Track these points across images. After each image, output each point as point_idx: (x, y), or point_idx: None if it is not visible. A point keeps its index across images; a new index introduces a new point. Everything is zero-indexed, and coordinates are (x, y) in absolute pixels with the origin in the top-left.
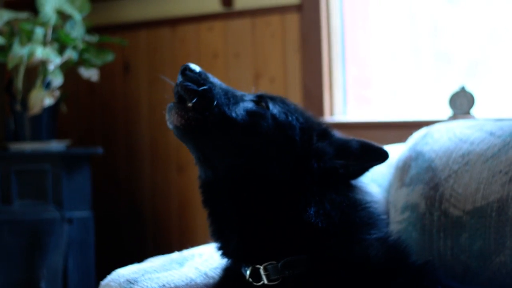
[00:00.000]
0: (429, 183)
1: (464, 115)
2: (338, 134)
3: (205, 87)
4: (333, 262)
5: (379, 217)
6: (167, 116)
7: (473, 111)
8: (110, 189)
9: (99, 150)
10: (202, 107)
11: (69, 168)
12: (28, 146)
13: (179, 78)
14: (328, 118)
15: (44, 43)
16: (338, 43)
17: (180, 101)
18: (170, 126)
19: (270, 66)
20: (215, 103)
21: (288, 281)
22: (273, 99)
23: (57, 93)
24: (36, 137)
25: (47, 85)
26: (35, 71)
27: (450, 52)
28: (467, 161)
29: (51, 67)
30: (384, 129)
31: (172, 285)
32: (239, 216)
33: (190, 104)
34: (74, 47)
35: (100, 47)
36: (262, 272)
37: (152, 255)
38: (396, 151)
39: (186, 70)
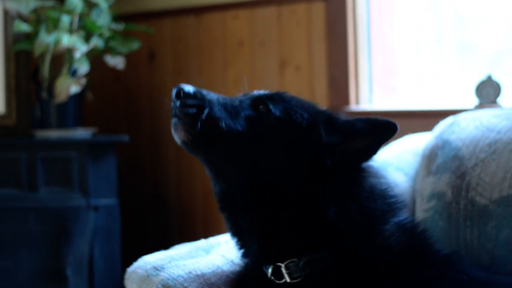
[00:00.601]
0: (456, 172)
1: (491, 104)
2: (343, 117)
3: (206, 108)
4: (355, 256)
5: (397, 202)
6: (173, 132)
7: (499, 100)
8: (135, 177)
9: (125, 138)
10: (206, 127)
11: (94, 156)
12: (54, 134)
13: (175, 102)
14: (354, 107)
15: (70, 31)
16: (364, 32)
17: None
18: (178, 141)
19: (295, 55)
20: (217, 119)
21: (310, 278)
22: (271, 98)
23: (83, 81)
24: (62, 124)
25: (73, 73)
26: (61, 59)
27: (477, 41)
28: (494, 149)
29: (77, 55)
30: (410, 118)
31: (199, 272)
32: (258, 222)
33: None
34: (100, 35)
35: (126, 35)
36: (284, 270)
37: (177, 243)
38: (422, 140)
39: (180, 95)
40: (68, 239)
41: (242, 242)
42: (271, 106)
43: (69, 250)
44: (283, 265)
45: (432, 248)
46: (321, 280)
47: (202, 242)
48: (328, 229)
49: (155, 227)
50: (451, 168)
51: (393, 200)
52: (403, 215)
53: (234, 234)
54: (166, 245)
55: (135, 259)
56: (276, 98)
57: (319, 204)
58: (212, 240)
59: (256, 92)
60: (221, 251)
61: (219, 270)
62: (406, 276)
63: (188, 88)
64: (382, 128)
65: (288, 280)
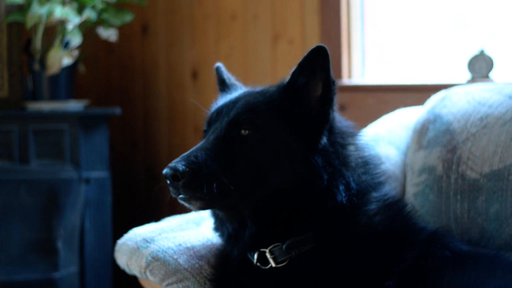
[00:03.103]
0: (447, 146)
1: (483, 78)
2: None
3: (204, 171)
4: (339, 236)
5: (381, 175)
6: (186, 205)
7: (492, 74)
8: (127, 150)
9: (117, 110)
10: (212, 191)
11: (86, 128)
12: (46, 106)
13: (173, 185)
14: (346, 80)
15: (63, 3)
16: (357, 5)
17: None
18: (193, 209)
19: (288, 28)
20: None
21: (294, 261)
22: (244, 113)
23: (76, 53)
24: (54, 97)
25: (66, 45)
26: (54, 31)
27: (469, 16)
28: (485, 124)
29: (69, 26)
30: (402, 92)
31: (189, 244)
32: (254, 210)
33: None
34: (93, 7)
35: (118, 8)
36: (268, 255)
37: (168, 216)
38: (414, 114)
39: (177, 176)
40: (59, 211)
41: (231, 228)
42: (244, 123)
43: (60, 222)
44: (267, 250)
45: (416, 224)
46: (306, 261)
47: (193, 215)
48: (313, 209)
49: (146, 200)
50: (442, 142)
51: (377, 174)
52: (387, 190)
53: (220, 220)
54: (156, 218)
55: (126, 231)
56: (241, 108)
57: (309, 184)
58: (202, 212)
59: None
60: (211, 224)
61: (209, 242)
62: (390, 255)
63: (179, 171)
64: (313, 60)
65: (273, 265)
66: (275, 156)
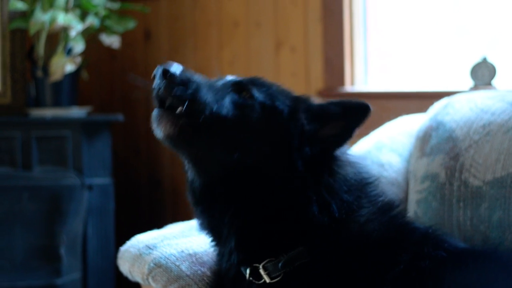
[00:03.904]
0: (450, 153)
1: (486, 86)
2: (316, 102)
3: (193, 90)
4: (332, 247)
5: (373, 188)
6: (154, 125)
7: (494, 82)
8: (130, 156)
9: (120, 117)
10: (193, 112)
11: (89, 135)
12: (48, 112)
13: (159, 82)
14: (349, 87)
15: (66, 9)
16: (360, 12)
17: (163, 105)
18: (160, 135)
19: (291, 35)
20: (205, 104)
21: (289, 275)
22: (253, 83)
23: (78, 60)
24: (57, 103)
25: (69, 52)
26: (57, 38)
27: (472, 23)
28: (488, 131)
29: (72, 33)
30: (405, 99)
31: (191, 251)
32: (237, 217)
33: (180, 110)
34: (96, 14)
35: (121, 14)
36: (262, 272)
37: (171, 223)
38: (417, 121)
39: (167, 74)
40: (62, 218)
41: (217, 240)
42: (254, 92)
43: (63, 229)
44: (260, 266)
45: (408, 226)
46: (300, 276)
47: (195, 222)
48: (307, 225)
49: (149, 206)
50: (445, 150)
51: (369, 188)
52: (375, 192)
53: (208, 232)
54: (159, 225)
55: (128, 238)
56: (258, 83)
57: (301, 200)
58: None
59: (230, 77)
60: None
61: (211, 249)
62: (385, 261)
63: (175, 67)
64: (355, 110)
65: (267, 281)
66: (260, 136)
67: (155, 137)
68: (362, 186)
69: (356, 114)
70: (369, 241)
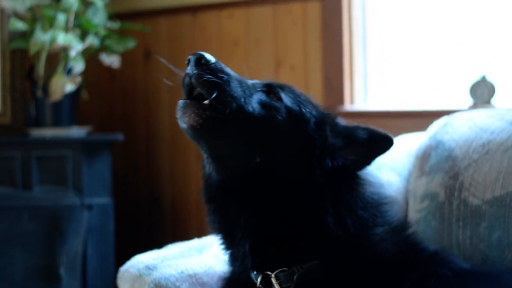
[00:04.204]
0: (449, 172)
1: (485, 104)
2: (342, 121)
3: (225, 81)
4: (345, 264)
5: (388, 209)
6: (179, 114)
7: (493, 100)
8: (130, 176)
9: (120, 136)
10: (221, 103)
11: (89, 155)
12: (48, 132)
13: (192, 68)
14: (349, 106)
15: (66, 29)
16: (359, 31)
17: (191, 95)
18: (184, 125)
19: (291, 54)
20: (234, 97)
21: (300, 287)
22: (282, 88)
23: (78, 80)
24: (57, 123)
25: (69, 72)
26: (57, 57)
27: (472, 41)
28: (487, 150)
29: (72, 53)
30: (404, 118)
31: (191, 271)
32: (253, 218)
33: (207, 102)
34: (96, 34)
35: (121, 34)
36: (274, 281)
37: (171, 243)
38: (416, 140)
39: (201, 60)
40: (62, 237)
41: (230, 242)
42: (282, 95)
43: (63, 248)
44: (273, 275)
45: (418, 246)
46: None
47: (195, 242)
48: (321, 236)
49: (149, 226)
50: (444, 169)
51: (384, 208)
52: (390, 213)
53: (219, 232)
54: (159, 245)
55: (128, 258)
56: (287, 89)
57: (316, 207)
58: (205, 239)
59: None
60: (213, 251)
61: (211, 270)
62: (394, 281)
63: (210, 56)
64: (381, 141)
65: None
66: (284, 139)
67: (155, 156)
68: (377, 205)
69: (381, 144)
70: (381, 261)
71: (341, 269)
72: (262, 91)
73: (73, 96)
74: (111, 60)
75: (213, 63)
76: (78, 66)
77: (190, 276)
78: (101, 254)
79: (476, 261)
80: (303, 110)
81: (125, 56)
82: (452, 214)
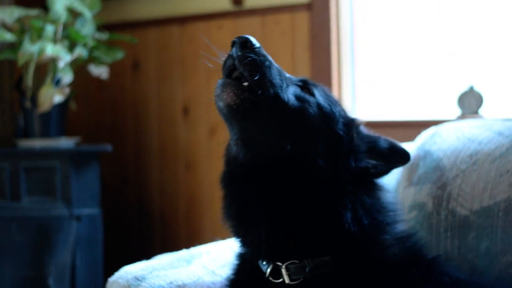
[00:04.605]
0: (437, 182)
1: (473, 114)
2: (365, 129)
3: (267, 66)
4: (355, 263)
5: (398, 215)
6: (217, 92)
7: (481, 111)
8: (118, 187)
9: (108, 147)
10: (260, 86)
11: (78, 165)
12: (37, 143)
13: (236, 50)
14: None
15: (55, 41)
16: (347, 42)
17: (230, 77)
18: (220, 104)
19: (279, 64)
20: (272, 84)
21: (309, 281)
22: (316, 86)
23: (67, 90)
24: (45, 134)
25: (57, 82)
26: (45, 68)
27: (459, 52)
28: (475, 160)
29: (61, 64)
30: (392, 128)
31: (180, 282)
32: (273, 206)
33: (246, 83)
34: (84, 45)
35: (110, 45)
36: (284, 271)
37: (160, 253)
38: None
39: (247, 43)
40: (51, 248)
41: (244, 228)
42: (315, 91)
43: (52, 259)
44: (283, 266)
45: (421, 255)
46: (320, 284)
47: (183, 253)
48: (338, 232)
49: (138, 237)
50: (432, 179)
51: (394, 213)
52: (401, 226)
53: (233, 218)
54: (148, 255)
55: (117, 268)
56: (320, 88)
57: (335, 202)
58: (193, 250)
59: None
60: (202, 262)
61: (200, 280)
62: (397, 277)
63: (255, 41)
64: (400, 154)
65: (287, 281)
66: (314, 133)
67: (144, 166)
68: (390, 211)
69: (400, 157)
70: (388, 264)
71: (352, 267)
72: (297, 85)
73: (62, 107)
74: (100, 71)
75: (258, 48)
76: (67, 77)
77: (179, 286)
78: (90, 265)
79: (464, 271)
80: (333, 109)
81: (114, 67)
82: (440, 224)
